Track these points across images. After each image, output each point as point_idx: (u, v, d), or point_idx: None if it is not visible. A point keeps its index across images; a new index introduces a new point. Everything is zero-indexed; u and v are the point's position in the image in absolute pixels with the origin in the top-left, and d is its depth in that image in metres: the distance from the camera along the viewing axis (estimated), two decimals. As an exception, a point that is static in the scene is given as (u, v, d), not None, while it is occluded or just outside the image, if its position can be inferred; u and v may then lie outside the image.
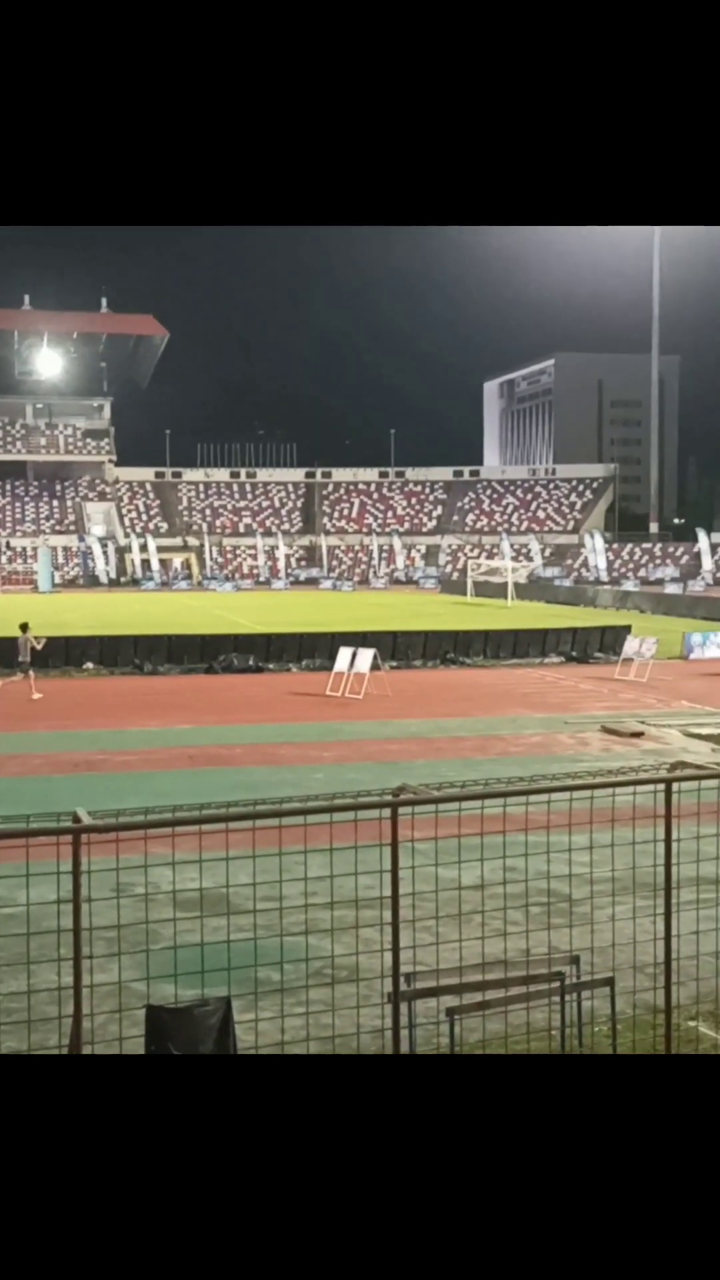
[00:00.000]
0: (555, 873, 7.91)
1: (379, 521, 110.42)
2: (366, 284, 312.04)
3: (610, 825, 7.44)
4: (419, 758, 19.00)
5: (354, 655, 26.92)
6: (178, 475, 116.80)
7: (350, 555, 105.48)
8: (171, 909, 8.29)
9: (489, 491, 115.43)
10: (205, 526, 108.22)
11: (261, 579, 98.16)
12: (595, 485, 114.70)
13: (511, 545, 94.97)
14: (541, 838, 7.65)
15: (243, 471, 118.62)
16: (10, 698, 25.46)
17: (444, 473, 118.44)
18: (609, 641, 35.05)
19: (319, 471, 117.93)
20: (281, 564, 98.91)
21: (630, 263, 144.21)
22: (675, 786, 7.24)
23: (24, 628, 27.01)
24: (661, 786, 7.23)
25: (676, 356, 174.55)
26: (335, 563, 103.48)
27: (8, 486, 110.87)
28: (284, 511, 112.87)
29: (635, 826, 7.54)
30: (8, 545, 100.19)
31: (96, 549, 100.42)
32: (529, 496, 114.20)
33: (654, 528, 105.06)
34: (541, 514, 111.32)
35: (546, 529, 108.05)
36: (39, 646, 27.05)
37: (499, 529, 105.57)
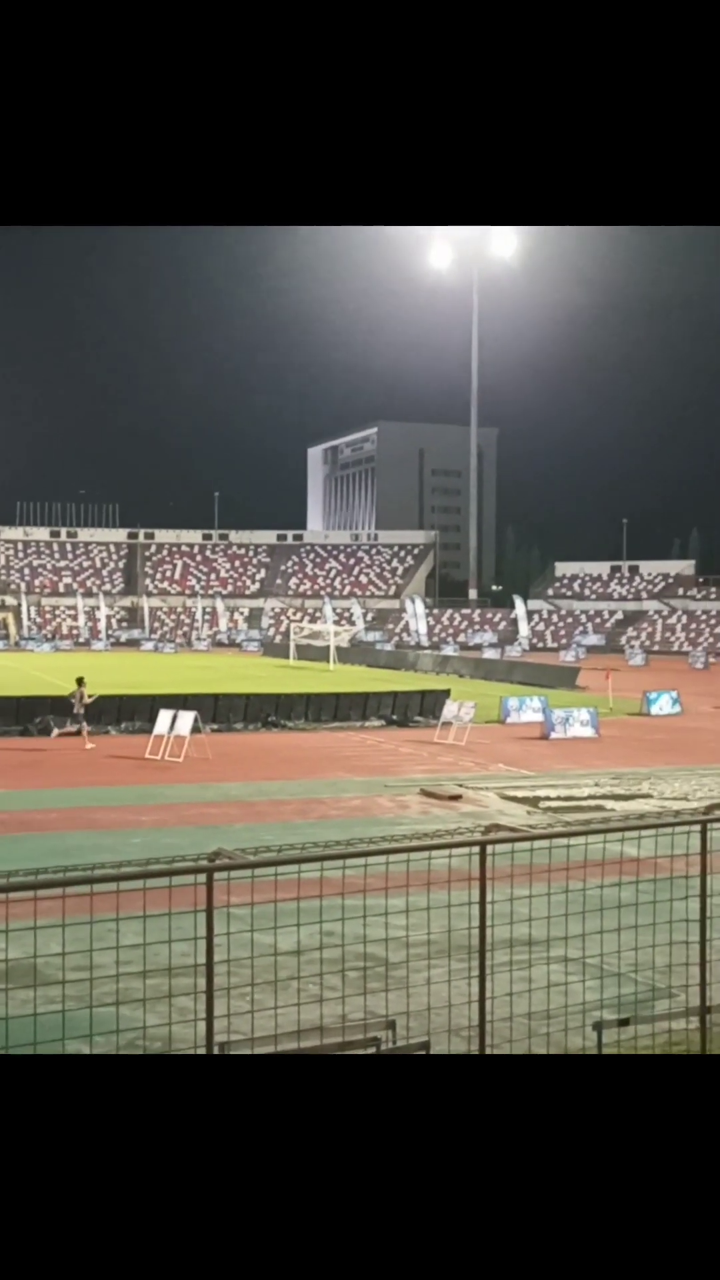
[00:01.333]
0: (372, 936, 7.90)
1: (202, 583, 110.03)
2: (193, 346, 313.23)
3: (426, 888, 7.48)
4: (239, 821, 18.82)
5: (174, 718, 26.62)
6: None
7: (173, 617, 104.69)
8: (-23, 981, 7.96)
9: (312, 555, 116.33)
10: (23, 585, 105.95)
11: (81, 639, 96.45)
12: (416, 551, 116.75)
13: (334, 609, 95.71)
14: (359, 901, 7.63)
15: (63, 530, 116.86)
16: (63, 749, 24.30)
17: (268, 536, 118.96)
18: (429, 705, 35.51)
19: (142, 532, 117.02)
20: (102, 625, 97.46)
21: (451, 337, 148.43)
22: (490, 849, 7.32)
23: (80, 682, 29.03)
24: (476, 849, 7.31)
25: (495, 429, 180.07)
26: (157, 624, 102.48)
27: None
28: (105, 572, 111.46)
29: (451, 889, 7.60)
30: None
31: None
32: (352, 561, 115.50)
33: (473, 594, 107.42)
34: (364, 579, 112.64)
35: (369, 593, 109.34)
36: (88, 701, 28.72)
37: (322, 593, 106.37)
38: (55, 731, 29.94)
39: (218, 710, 32.91)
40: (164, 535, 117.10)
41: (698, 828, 8.22)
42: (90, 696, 28.92)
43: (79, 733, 28.60)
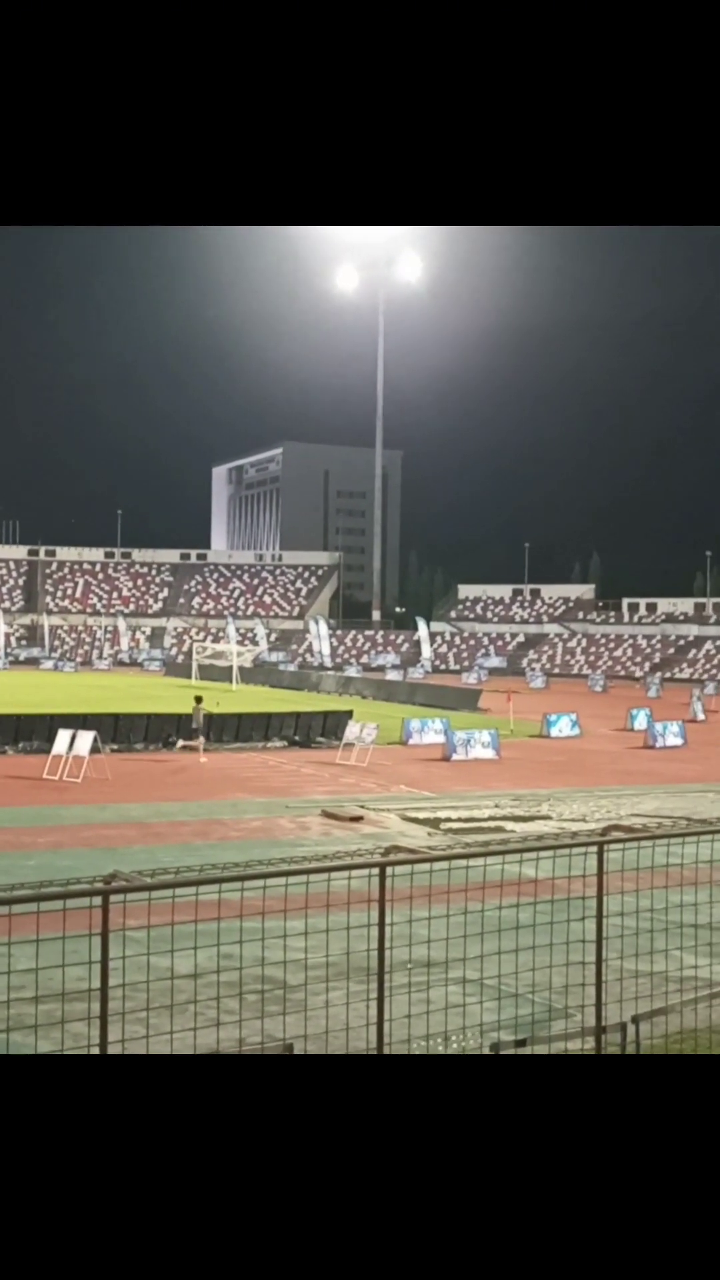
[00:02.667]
0: (271, 959, 7.85)
1: (104, 602, 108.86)
2: (96, 361, 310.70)
3: (326, 910, 7.45)
4: (137, 843, 18.60)
5: (73, 737, 26.25)
6: None
7: (74, 635, 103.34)
8: None
9: (216, 575, 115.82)
10: None
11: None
12: (320, 573, 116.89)
13: (237, 629, 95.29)
14: (258, 923, 7.57)
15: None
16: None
17: (171, 555, 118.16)
18: (331, 726, 35.49)
19: (42, 549, 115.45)
20: (0, 643, 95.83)
21: (357, 359, 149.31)
22: (389, 870, 7.32)
23: (198, 700, 32.35)
24: (376, 871, 7.30)
25: (400, 451, 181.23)
26: (58, 643, 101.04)
27: None
28: (4, 589, 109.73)
29: (350, 911, 7.57)
30: None
31: None
32: (255, 581, 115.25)
33: (376, 615, 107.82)
34: (268, 599, 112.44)
35: (272, 614, 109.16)
36: (204, 718, 31.82)
37: (225, 613, 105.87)
38: (179, 743, 32.44)
39: (118, 730, 32.54)
40: (65, 553, 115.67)
41: (594, 849, 8.30)
42: (206, 713, 32.07)
43: (197, 747, 31.23)
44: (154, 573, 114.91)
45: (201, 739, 31.65)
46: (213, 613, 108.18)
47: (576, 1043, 8.43)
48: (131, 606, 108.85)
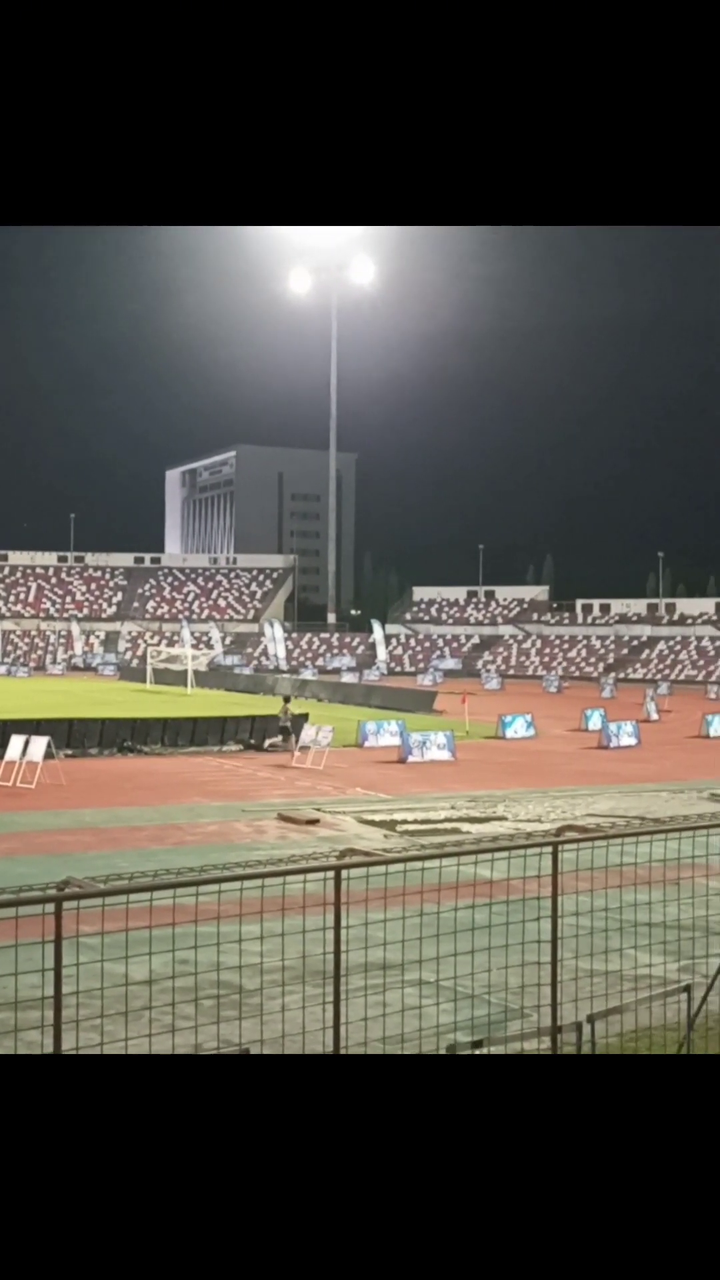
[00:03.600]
0: (227, 963, 7.82)
1: (57, 606, 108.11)
2: (48, 364, 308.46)
3: (281, 914, 7.43)
4: (93, 849, 18.48)
5: (26, 743, 26.04)
6: None
7: (26, 640, 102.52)
8: None
9: (170, 579, 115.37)
10: None
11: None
12: (275, 575, 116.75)
13: (192, 633, 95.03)
14: (213, 928, 7.54)
15: None
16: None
17: (125, 559, 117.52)
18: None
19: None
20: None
21: (310, 362, 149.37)
22: (345, 873, 7.31)
23: (286, 699, 35.49)
24: (331, 874, 7.29)
25: (354, 454, 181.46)
26: (10, 647, 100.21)
27: None
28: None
29: (306, 914, 7.56)
30: None
31: None
32: (210, 585, 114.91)
33: (331, 618, 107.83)
34: (222, 602, 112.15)
35: (227, 617, 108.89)
36: (293, 717, 33.97)
37: (180, 616, 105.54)
38: (267, 743, 34.01)
39: (72, 735, 32.33)
40: (18, 557, 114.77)
41: (549, 849, 8.34)
42: (292, 714, 33.88)
43: (289, 748, 32.32)
44: (108, 576, 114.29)
45: (293, 738, 32.63)
46: (167, 616, 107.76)
47: (533, 1043, 8.47)
48: (85, 611, 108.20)
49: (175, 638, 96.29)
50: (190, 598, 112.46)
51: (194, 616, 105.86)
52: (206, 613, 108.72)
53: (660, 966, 10.82)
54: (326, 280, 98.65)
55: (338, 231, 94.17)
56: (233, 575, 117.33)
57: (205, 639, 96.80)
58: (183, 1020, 8.78)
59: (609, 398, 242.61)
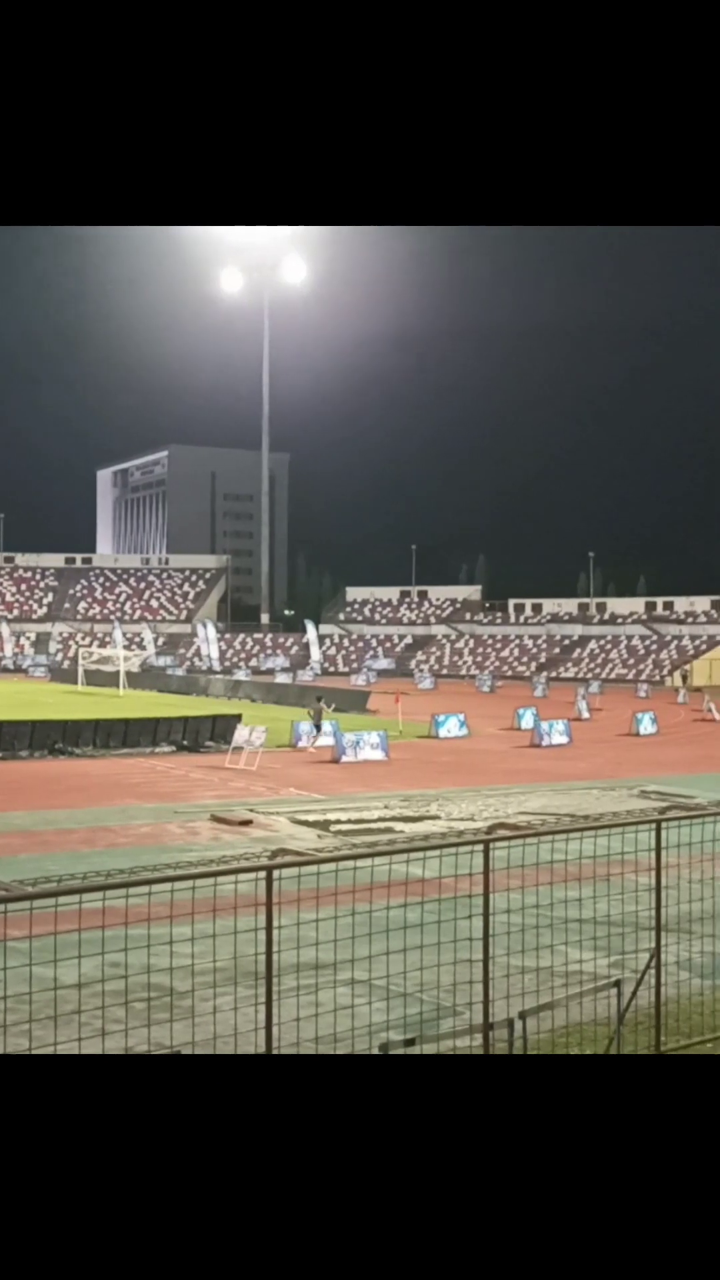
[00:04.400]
0: (158, 966, 7.76)
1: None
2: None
3: (213, 915, 7.39)
4: (23, 852, 18.27)
5: (-45, 746, 25.69)
6: None
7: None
8: None
9: (102, 579, 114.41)
10: None
11: None
12: (208, 576, 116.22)
13: (124, 634, 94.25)
14: (144, 930, 7.49)
15: None
16: None
17: (55, 559, 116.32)
18: (220, 730, 35.29)
19: None
20: None
21: (243, 361, 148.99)
22: (276, 874, 7.29)
23: (319, 699, 39.75)
24: (263, 874, 7.26)
25: (287, 454, 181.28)
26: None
27: None
28: None
29: (238, 915, 7.53)
30: None
31: None
32: (142, 585, 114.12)
33: (265, 618, 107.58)
34: (155, 603, 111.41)
35: (160, 618, 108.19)
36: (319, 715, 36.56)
37: (112, 617, 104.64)
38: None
39: (1, 737, 31.95)
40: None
41: (481, 848, 8.38)
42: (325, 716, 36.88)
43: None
44: (38, 577, 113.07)
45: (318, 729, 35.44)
46: (99, 617, 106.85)
47: (465, 1040, 8.50)
48: (15, 612, 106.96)
49: (107, 639, 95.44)
50: (122, 598, 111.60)
51: (126, 617, 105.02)
52: (139, 613, 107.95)
53: (591, 962, 10.92)
54: (259, 280, 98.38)
55: (270, 231, 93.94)
56: (165, 576, 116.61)
57: (138, 640, 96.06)
58: (113, 1024, 8.69)
59: (539, 398, 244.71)
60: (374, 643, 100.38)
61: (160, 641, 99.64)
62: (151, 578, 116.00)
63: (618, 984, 9.06)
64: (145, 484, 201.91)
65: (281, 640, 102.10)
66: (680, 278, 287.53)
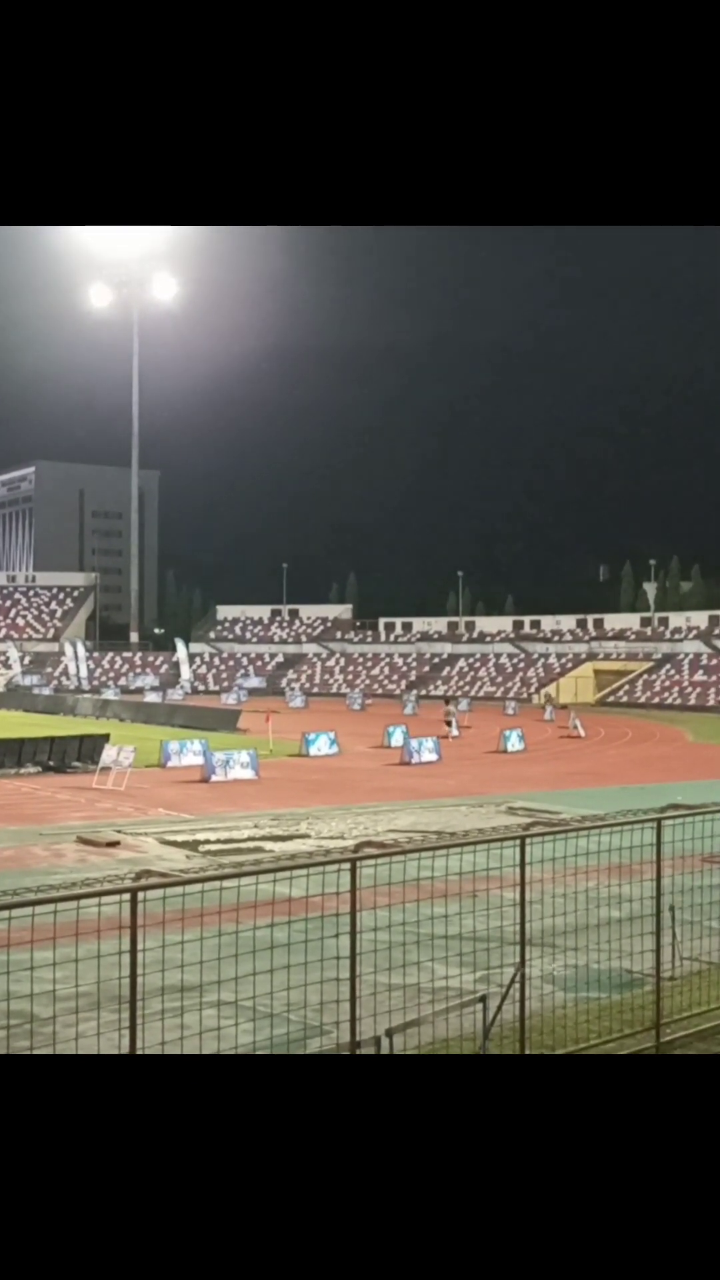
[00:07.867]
0: (18, 992, 7.59)
1: None
2: None
3: (75, 939, 7.26)
4: None
5: None
6: None
7: None
8: None
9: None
10: None
11: None
12: (76, 594, 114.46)
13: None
14: (3, 956, 7.31)
15: None
16: None
17: None
18: (87, 750, 34.73)
19: None
20: None
21: (112, 377, 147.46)
22: (141, 895, 7.20)
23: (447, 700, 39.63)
24: (127, 896, 7.17)
25: (157, 471, 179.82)
26: None
27: None
28: None
29: (102, 939, 7.41)
30: None
31: None
32: (8, 603, 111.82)
33: (134, 637, 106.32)
34: (21, 621, 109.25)
35: (26, 636, 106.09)
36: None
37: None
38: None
39: None
40: None
41: (348, 866, 8.39)
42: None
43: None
44: None
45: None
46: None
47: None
48: None
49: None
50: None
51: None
52: (4, 632, 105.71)
53: (457, 978, 10.99)
54: (128, 295, 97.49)
55: (139, 245, 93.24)
56: (31, 594, 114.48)
57: (3, 659, 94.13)
58: (-28, 1053, 8.48)
59: (404, 417, 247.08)
60: (245, 661, 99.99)
61: (26, 660, 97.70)
62: (18, 595, 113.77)
63: (483, 999, 9.16)
64: (10, 500, 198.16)
65: (151, 659, 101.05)
66: (529, 296, 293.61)
